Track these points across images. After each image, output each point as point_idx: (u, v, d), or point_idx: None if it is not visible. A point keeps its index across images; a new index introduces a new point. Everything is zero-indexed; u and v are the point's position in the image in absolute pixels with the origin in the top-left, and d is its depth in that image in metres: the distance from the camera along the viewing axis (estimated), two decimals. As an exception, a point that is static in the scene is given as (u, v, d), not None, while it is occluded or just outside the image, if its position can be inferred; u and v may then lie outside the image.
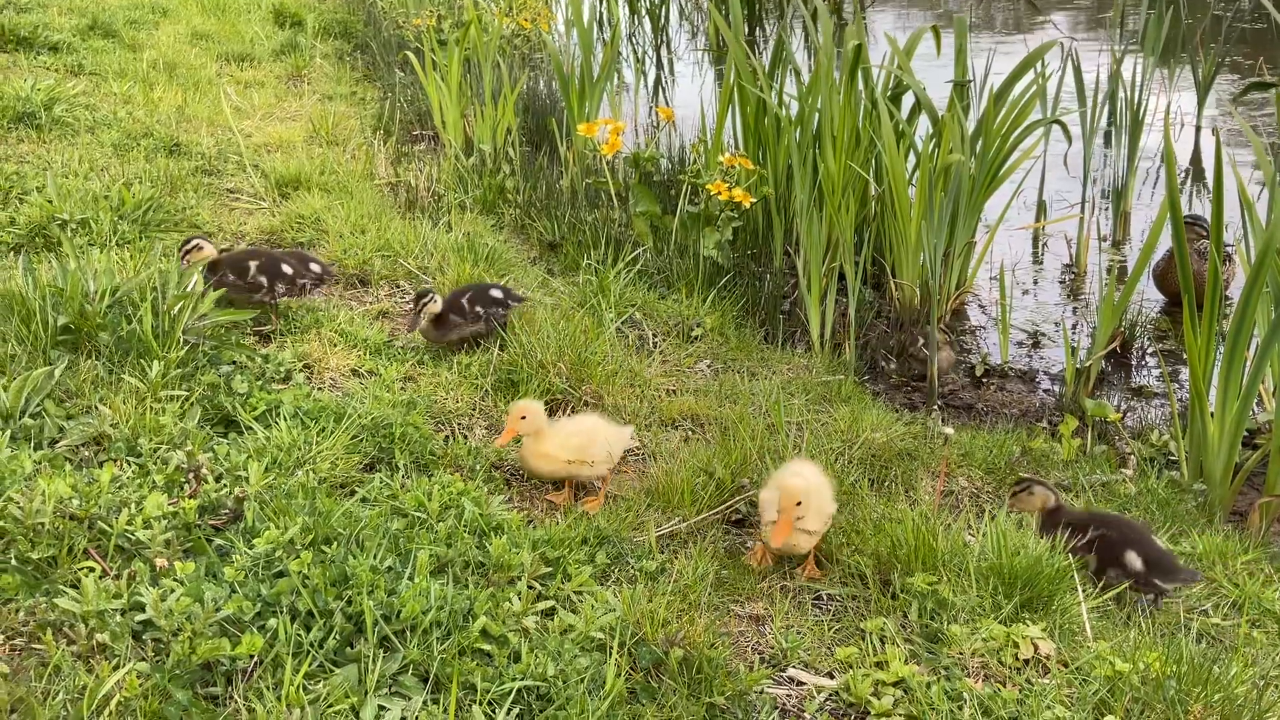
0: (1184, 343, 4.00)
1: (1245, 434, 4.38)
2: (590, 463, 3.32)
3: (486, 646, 2.36)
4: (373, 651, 2.24)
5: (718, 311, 5.23)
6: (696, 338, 4.97)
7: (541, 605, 2.59)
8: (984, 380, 5.16)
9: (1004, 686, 2.59)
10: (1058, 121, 5.73)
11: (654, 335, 4.90)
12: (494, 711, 2.17)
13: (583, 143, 6.74)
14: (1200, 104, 7.71)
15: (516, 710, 2.22)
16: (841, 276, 5.69)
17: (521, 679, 2.28)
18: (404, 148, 7.45)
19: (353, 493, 3.03)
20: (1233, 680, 2.66)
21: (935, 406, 4.82)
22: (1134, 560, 3.09)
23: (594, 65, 7.11)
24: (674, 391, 4.37)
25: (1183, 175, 7.48)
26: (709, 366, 4.78)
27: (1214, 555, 3.42)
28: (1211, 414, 3.92)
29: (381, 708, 2.14)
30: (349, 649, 2.26)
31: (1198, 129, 7.82)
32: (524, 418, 3.26)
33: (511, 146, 7.07)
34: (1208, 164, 7.49)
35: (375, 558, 2.47)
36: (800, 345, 5.40)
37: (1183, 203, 7.00)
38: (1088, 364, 4.78)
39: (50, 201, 4.71)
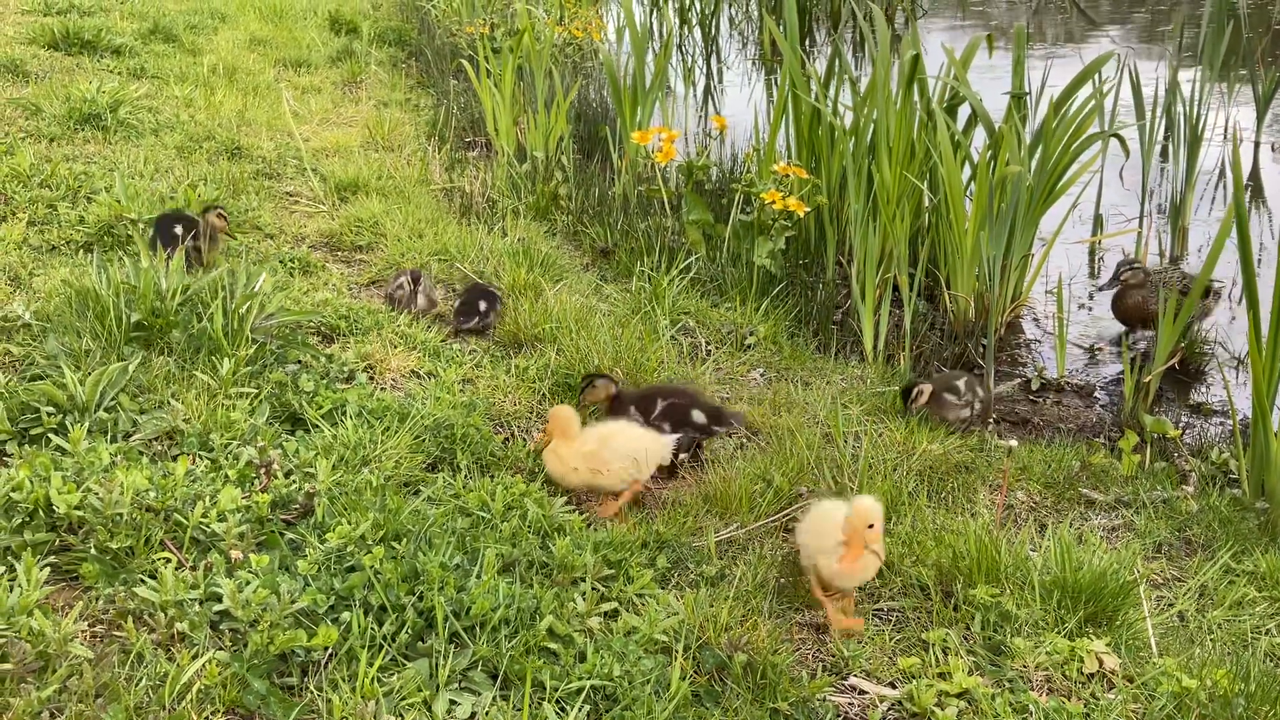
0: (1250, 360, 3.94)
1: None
2: (603, 471, 3.22)
3: (553, 645, 2.38)
4: (443, 647, 2.27)
5: (770, 320, 5.24)
6: (749, 346, 4.98)
7: (605, 606, 2.61)
8: (1040, 394, 5.12)
9: (1068, 700, 2.58)
10: (1116, 135, 5.68)
11: (707, 343, 4.92)
12: (564, 709, 2.19)
13: (635, 150, 6.78)
14: (1260, 120, 7.61)
15: (585, 709, 2.24)
16: (894, 288, 5.67)
17: (588, 678, 2.30)
18: (458, 154, 7.53)
19: (417, 491, 3.07)
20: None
21: (991, 420, 4.79)
22: (699, 416, 3.65)
23: (646, 74, 7.15)
24: (728, 399, 4.38)
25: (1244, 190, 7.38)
26: (762, 375, 4.78)
27: (1277, 574, 3.37)
28: (1275, 432, 3.87)
29: (453, 702, 2.17)
30: (420, 643, 2.29)
31: (1256, 145, 7.72)
32: (548, 422, 3.25)
33: (564, 154, 7.12)
34: (1266, 180, 7.39)
35: (444, 555, 2.50)
36: (853, 356, 5.38)
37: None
38: (1147, 380, 4.73)
39: (119, 201, 4.81)
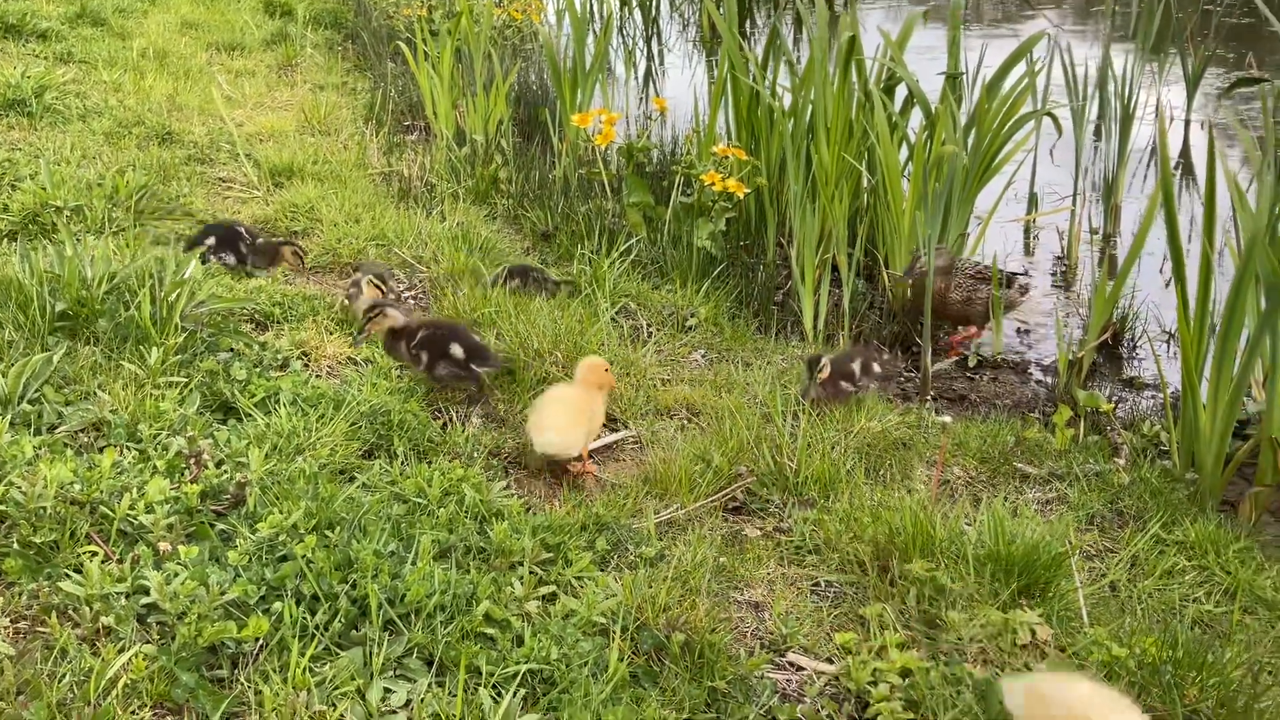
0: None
1: (1236, 424, 4.42)
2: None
3: (490, 630, 2.37)
4: (377, 635, 2.25)
5: (711, 302, 5.24)
6: (691, 328, 4.98)
7: (543, 590, 2.60)
8: (977, 371, 5.19)
9: (1002, 671, 2.62)
10: (1049, 114, 5.76)
11: (648, 325, 4.91)
12: (499, 694, 2.18)
13: (575, 133, 6.74)
14: (1190, 99, 7.76)
15: (521, 693, 2.23)
16: (834, 268, 5.71)
17: (525, 662, 2.29)
18: (396, 138, 7.43)
19: (353, 479, 3.03)
20: (1227, 665, 2.69)
21: (929, 397, 4.84)
22: (457, 350, 3.71)
23: (586, 56, 7.11)
24: (669, 381, 4.38)
25: (1174, 168, 7.53)
26: (703, 356, 4.79)
27: (1206, 544, 3.45)
28: (1203, 405, 3.95)
29: (387, 690, 2.15)
30: (354, 632, 2.27)
31: (1187, 123, 7.87)
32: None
33: (504, 137, 7.06)
34: (1197, 158, 7.54)
35: (379, 542, 2.47)
36: (794, 336, 5.42)
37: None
38: (1080, 355, 4.81)
39: (44, 189, 4.69)
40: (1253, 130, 7.35)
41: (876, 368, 4.26)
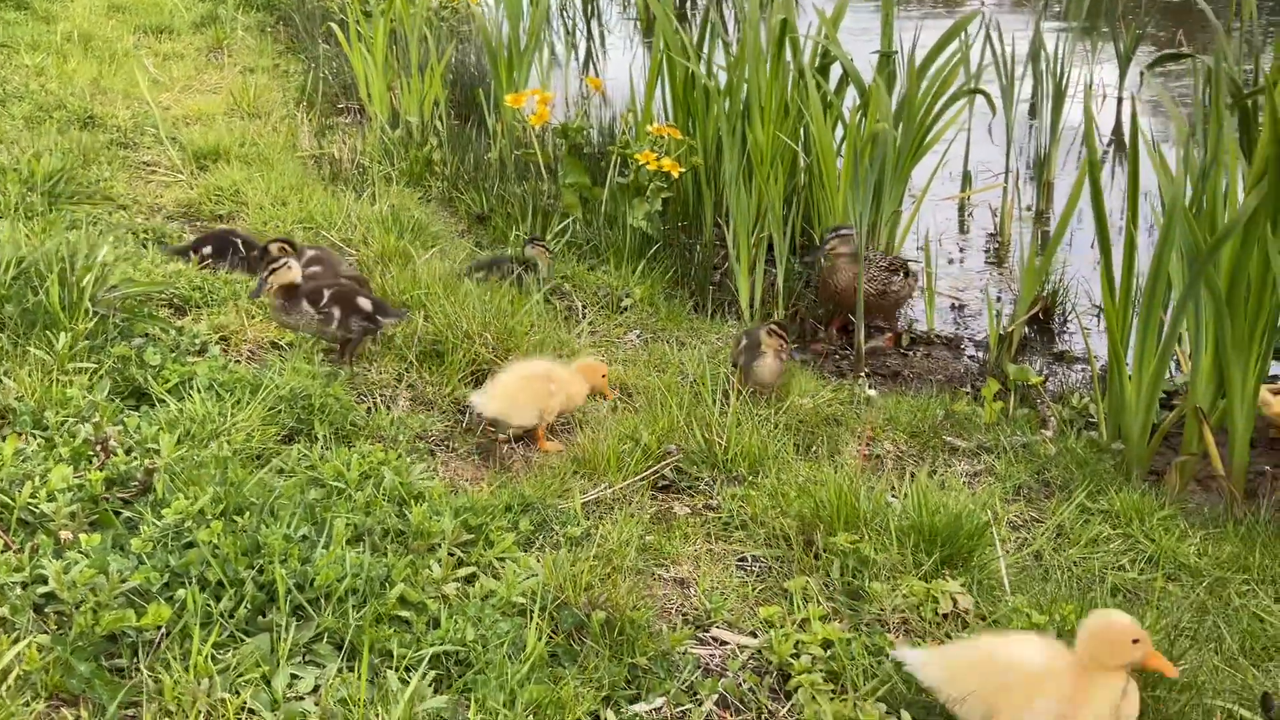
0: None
1: (1163, 395, 4.48)
2: None
3: (405, 613, 2.32)
4: (285, 620, 2.19)
5: (647, 282, 5.22)
6: (626, 308, 4.95)
7: (463, 572, 2.56)
8: (911, 347, 5.22)
9: (924, 640, 2.62)
10: (980, 91, 5.79)
11: (583, 306, 4.87)
12: (411, 676, 2.14)
13: (511, 114, 6.66)
14: (1121, 76, 7.84)
15: (434, 675, 2.19)
16: (771, 246, 5.70)
17: (441, 644, 2.25)
18: (328, 120, 7.31)
19: (272, 464, 2.96)
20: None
21: (862, 373, 4.86)
22: (365, 303, 3.75)
23: (521, 36, 7.02)
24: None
25: (1107, 145, 7.62)
26: (638, 336, 4.76)
27: (1130, 512, 3.49)
28: (1129, 376, 4.00)
29: (295, 675, 2.10)
30: (261, 618, 2.21)
31: (1119, 100, 7.96)
32: None
33: (439, 119, 6.96)
34: (1128, 134, 7.62)
35: (289, 526, 2.42)
36: (730, 315, 5.41)
37: (1105, 172, 7.14)
38: (1010, 330, 4.85)
39: (-46, 173, 4.54)
40: (1184, 108, 7.45)
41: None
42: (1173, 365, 4.63)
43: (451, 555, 2.59)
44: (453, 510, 2.74)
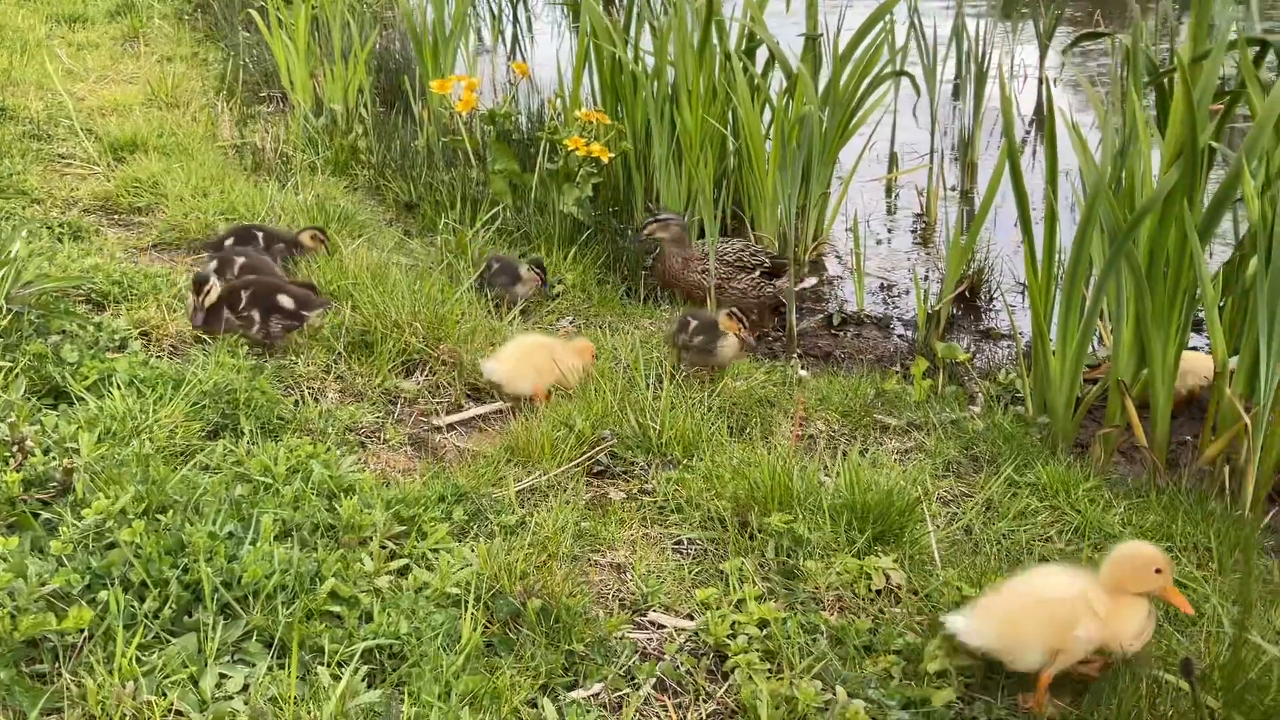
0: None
1: (1087, 369, 4.58)
2: None
3: (336, 608, 2.29)
4: (213, 619, 2.15)
5: (579, 268, 5.20)
6: (558, 294, 4.93)
7: (396, 564, 2.53)
8: (842, 328, 5.27)
9: (858, 617, 2.66)
10: (904, 73, 5.85)
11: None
12: (344, 672, 2.11)
13: (438, 101, 6.59)
14: (1042, 56, 7.99)
15: (367, 670, 2.17)
16: (704, 231, 5.71)
17: (374, 638, 2.22)
18: (250, 109, 7.16)
19: (198, 461, 2.90)
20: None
21: (795, 355, 4.90)
22: (286, 301, 3.70)
23: (446, 21, 6.94)
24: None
25: (1029, 126, 7.75)
26: (571, 323, 4.75)
27: (1057, 485, 3.56)
28: (1053, 351, 4.08)
29: (223, 675, 2.06)
30: (187, 618, 2.16)
31: (1040, 81, 8.11)
32: None
33: (364, 106, 6.86)
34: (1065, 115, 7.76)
35: (214, 524, 2.37)
36: (664, 300, 5.41)
37: (1029, 150, 7.27)
38: (937, 308, 4.92)
39: None
40: (1103, 88, 7.61)
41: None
42: (1096, 340, 4.73)
43: (384, 548, 2.57)
44: (384, 502, 2.71)
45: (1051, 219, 4.03)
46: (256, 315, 3.63)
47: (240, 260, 4.04)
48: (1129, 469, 4.12)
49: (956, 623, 2.44)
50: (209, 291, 3.58)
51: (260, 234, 4.41)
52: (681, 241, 5.08)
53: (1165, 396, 3.94)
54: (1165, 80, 4.70)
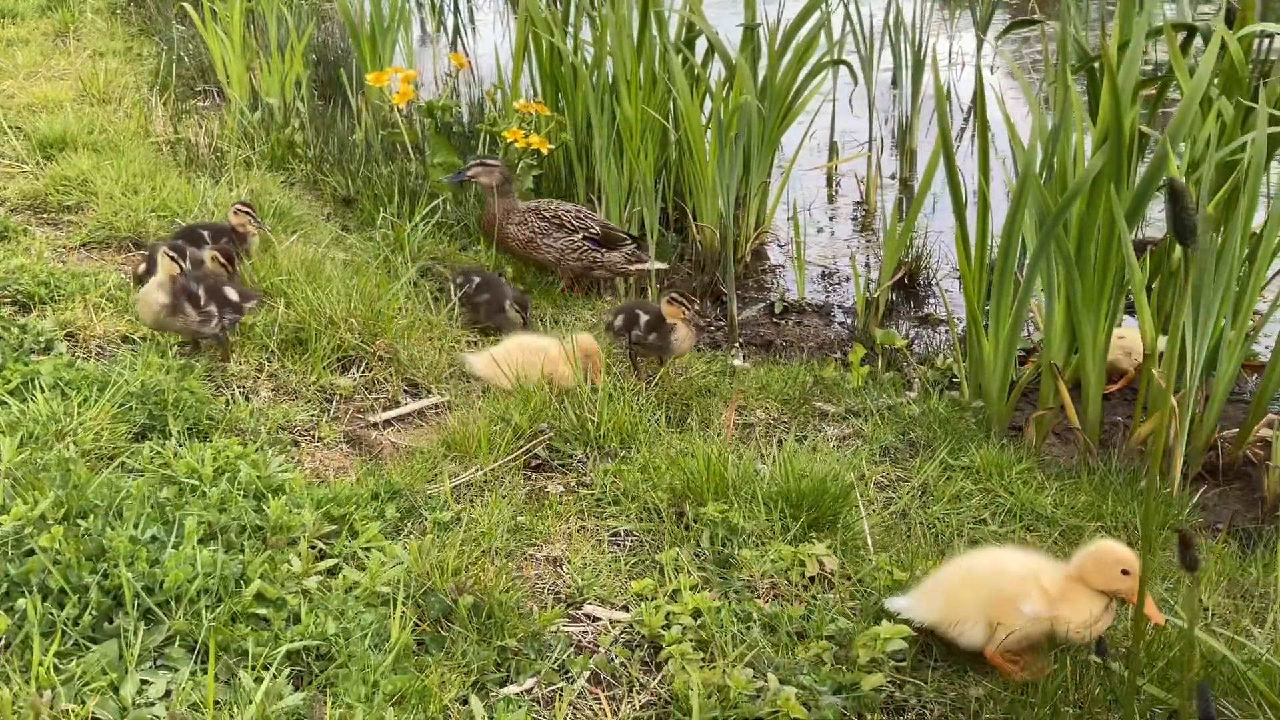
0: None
1: (1021, 353, 4.64)
2: None
3: (262, 611, 2.26)
4: (134, 625, 2.11)
5: (522, 261, 5.17)
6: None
7: (325, 564, 2.50)
8: (783, 316, 5.29)
9: (791, 604, 2.67)
10: (842, 62, 5.88)
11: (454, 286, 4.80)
12: (268, 676, 2.08)
13: (377, 94, 6.51)
14: (979, 44, 8.06)
15: (291, 672, 2.14)
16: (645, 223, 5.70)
17: (300, 640, 2.19)
18: (185, 104, 7.03)
19: (122, 464, 2.85)
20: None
21: (736, 344, 4.91)
22: (231, 293, 3.61)
23: (384, 12, 6.86)
24: (476, 343, 4.30)
25: (968, 113, 7.82)
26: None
27: (990, 468, 3.61)
28: (987, 336, 4.12)
29: (145, 681, 2.03)
30: (108, 624, 2.13)
31: (978, 68, 8.17)
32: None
33: (301, 100, 6.76)
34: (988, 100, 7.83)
35: (137, 528, 2.33)
36: (606, 291, 5.40)
37: (965, 138, 7.34)
38: (876, 295, 4.95)
39: None
40: (1038, 74, 7.69)
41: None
42: (1030, 324, 4.80)
43: (313, 548, 2.54)
44: (314, 501, 2.68)
45: (984, 205, 4.07)
46: (214, 309, 3.53)
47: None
48: (1063, 450, 4.19)
49: (897, 602, 2.50)
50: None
51: (206, 231, 4.32)
52: (505, 190, 4.94)
53: (1097, 378, 4.00)
54: (1096, 67, 4.76)
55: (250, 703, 1.96)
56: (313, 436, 3.40)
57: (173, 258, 3.44)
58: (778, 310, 5.31)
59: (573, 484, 3.28)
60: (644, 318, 4.03)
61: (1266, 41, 5.04)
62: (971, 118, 7.74)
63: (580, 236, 5.00)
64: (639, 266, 5.11)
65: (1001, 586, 2.44)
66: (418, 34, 10.48)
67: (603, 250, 5.03)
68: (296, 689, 2.10)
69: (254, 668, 2.12)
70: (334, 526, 2.65)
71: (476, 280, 4.44)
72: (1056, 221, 3.82)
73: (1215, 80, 4.21)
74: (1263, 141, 3.70)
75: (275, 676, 2.04)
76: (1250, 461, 4.08)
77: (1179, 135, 3.88)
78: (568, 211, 5.04)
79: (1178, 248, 3.88)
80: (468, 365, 3.84)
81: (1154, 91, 4.98)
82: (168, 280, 3.42)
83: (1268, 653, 2.42)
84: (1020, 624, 2.41)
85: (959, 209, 4.09)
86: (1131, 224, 3.83)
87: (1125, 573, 2.38)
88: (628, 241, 5.12)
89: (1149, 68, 6.76)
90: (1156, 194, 4.11)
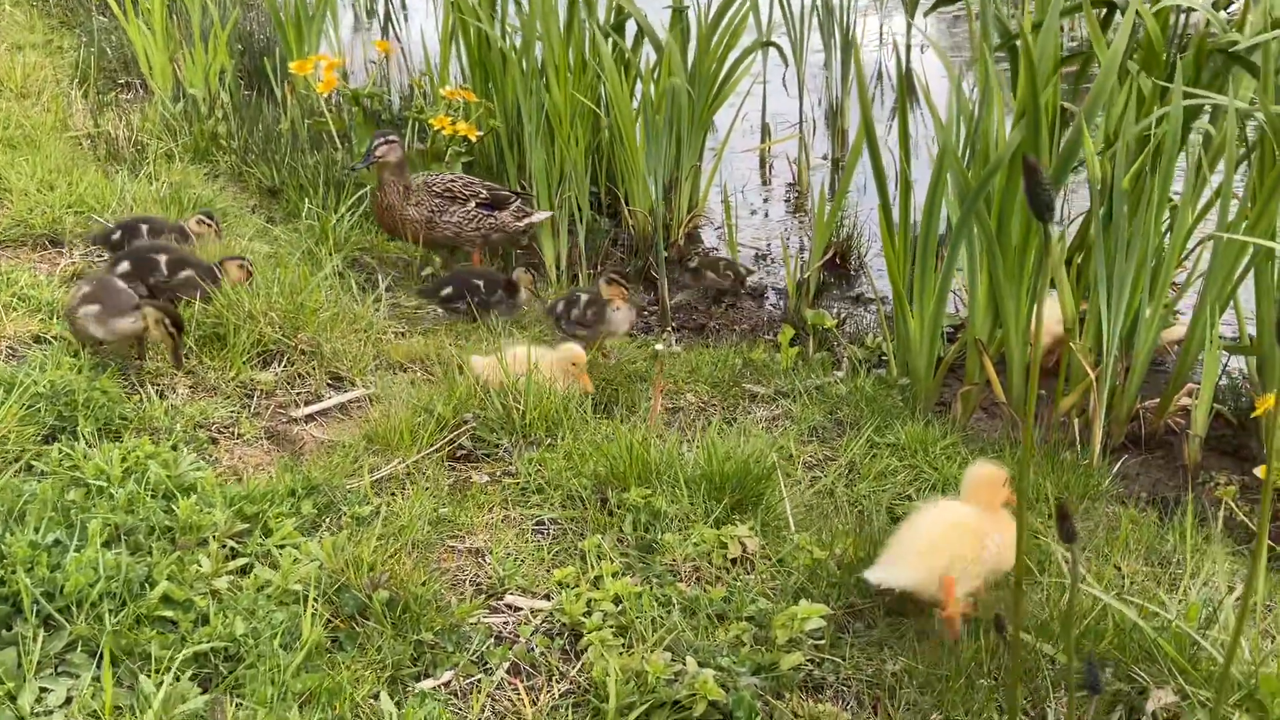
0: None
1: (951, 329, 4.69)
2: None
3: (168, 613, 2.21)
4: (34, 632, 2.06)
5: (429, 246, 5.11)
6: (427, 277, 4.85)
7: (237, 564, 2.46)
8: (717, 300, 5.29)
9: (713, 587, 2.67)
10: (772, 44, 5.88)
11: (384, 278, 4.75)
12: (178, 679, 2.04)
13: (303, 83, 6.41)
14: (909, 24, 8.11)
15: (198, 674, 2.11)
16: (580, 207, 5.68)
17: (207, 641, 2.16)
18: (108, 97, 6.86)
19: (29, 467, 2.78)
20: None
21: (669, 328, 4.91)
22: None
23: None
24: (403, 334, 4.26)
25: (895, 91, 7.87)
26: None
27: (915, 444, 3.64)
28: (912, 313, 4.15)
29: (44, 689, 1.98)
30: (6, 632, 2.07)
31: (908, 48, 8.23)
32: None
33: (227, 90, 6.63)
34: (916, 80, 7.89)
35: (38, 532, 2.27)
36: (538, 278, 5.36)
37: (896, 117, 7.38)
38: (806, 276, 4.97)
39: None
40: (965, 53, 7.75)
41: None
42: (957, 301, 4.85)
43: (225, 548, 2.50)
44: (227, 500, 2.63)
45: (905, 184, 4.10)
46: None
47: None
48: (991, 425, 4.24)
49: (875, 574, 2.52)
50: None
51: (145, 225, 4.25)
52: (402, 169, 4.69)
53: (1020, 353, 4.05)
54: (1017, 44, 4.80)
55: (149, 708, 1.92)
56: (232, 434, 3.34)
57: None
58: (711, 293, 5.30)
59: (498, 474, 3.25)
60: (583, 299, 4.04)
61: (1184, 16, 5.11)
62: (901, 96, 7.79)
63: (474, 204, 4.85)
64: (528, 220, 4.97)
65: (962, 539, 2.52)
66: (350, 21, 10.34)
67: (495, 213, 4.91)
68: (206, 691, 2.07)
69: (160, 671, 2.07)
70: (247, 525, 2.60)
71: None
72: (977, 197, 3.85)
73: (1135, 55, 4.26)
74: (1177, 115, 3.76)
75: (178, 679, 1.99)
76: (1172, 431, 4.16)
77: (1095, 109, 3.93)
78: (454, 181, 4.87)
79: (1094, 222, 3.93)
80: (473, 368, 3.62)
81: (1075, 68, 5.05)
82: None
83: (1177, 618, 2.46)
84: (989, 560, 2.52)
85: (881, 189, 4.11)
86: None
87: (1005, 484, 2.65)
88: (513, 198, 4.99)
89: (1074, 44, 6.84)
90: (1079, 168, 4.17)
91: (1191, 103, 3.93)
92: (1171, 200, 3.98)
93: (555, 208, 5.46)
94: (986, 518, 2.59)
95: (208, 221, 4.37)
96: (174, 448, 2.94)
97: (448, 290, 4.36)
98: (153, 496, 2.60)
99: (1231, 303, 4.02)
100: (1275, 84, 3.79)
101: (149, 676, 2.02)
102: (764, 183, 6.57)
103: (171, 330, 3.34)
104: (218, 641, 2.16)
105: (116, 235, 4.19)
